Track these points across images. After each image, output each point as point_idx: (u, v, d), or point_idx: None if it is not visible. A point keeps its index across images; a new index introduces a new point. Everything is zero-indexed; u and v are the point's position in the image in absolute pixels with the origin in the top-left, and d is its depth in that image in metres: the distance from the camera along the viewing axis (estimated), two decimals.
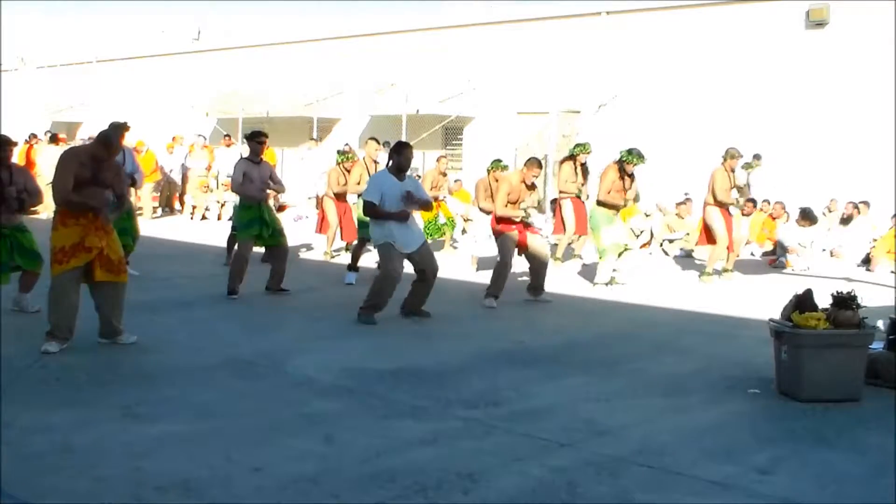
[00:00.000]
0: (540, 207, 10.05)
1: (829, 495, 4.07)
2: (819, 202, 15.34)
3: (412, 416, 5.08)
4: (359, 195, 10.50)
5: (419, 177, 14.15)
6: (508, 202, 9.16)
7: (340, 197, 11.74)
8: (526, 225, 9.23)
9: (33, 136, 19.27)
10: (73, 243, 6.18)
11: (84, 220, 6.24)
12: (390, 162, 8.04)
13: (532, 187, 9.33)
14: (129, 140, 15.14)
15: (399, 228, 7.82)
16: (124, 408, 4.96)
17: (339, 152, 12.14)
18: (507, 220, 9.17)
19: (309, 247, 13.60)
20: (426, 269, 8.01)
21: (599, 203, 10.31)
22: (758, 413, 5.49)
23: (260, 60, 26.16)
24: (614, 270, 10.50)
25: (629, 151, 10.26)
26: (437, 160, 13.79)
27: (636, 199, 10.40)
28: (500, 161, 11.36)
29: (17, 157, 11.57)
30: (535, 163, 9.37)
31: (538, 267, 9.28)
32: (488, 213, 11.12)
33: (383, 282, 7.80)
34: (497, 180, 10.58)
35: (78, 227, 6.22)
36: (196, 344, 6.78)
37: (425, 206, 8.37)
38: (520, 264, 9.74)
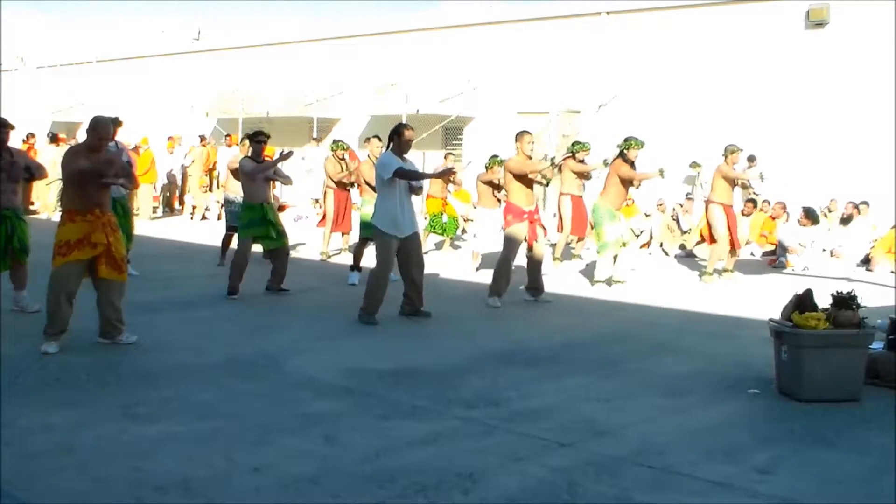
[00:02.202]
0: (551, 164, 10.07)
1: (829, 495, 4.07)
2: (819, 202, 15.34)
3: (412, 416, 5.08)
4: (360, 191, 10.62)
5: None
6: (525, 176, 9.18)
7: (339, 185, 11.80)
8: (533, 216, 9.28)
9: (31, 135, 19.24)
10: (77, 238, 6.25)
11: (91, 217, 6.30)
12: (391, 144, 8.11)
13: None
14: (129, 139, 15.12)
15: (402, 210, 7.92)
16: (124, 408, 4.96)
17: (334, 141, 12.20)
18: (518, 211, 9.16)
19: (309, 247, 13.59)
20: (412, 255, 8.09)
21: (604, 198, 10.33)
22: (758, 413, 5.48)
23: (260, 60, 26.15)
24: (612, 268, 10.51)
25: (626, 140, 10.39)
26: (445, 157, 14.91)
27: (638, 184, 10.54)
28: (496, 156, 11.51)
29: None
30: (524, 132, 9.35)
31: (534, 269, 9.31)
32: (495, 186, 11.28)
33: (376, 281, 7.88)
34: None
35: (85, 223, 6.29)
36: (196, 344, 6.77)
37: (417, 191, 8.42)
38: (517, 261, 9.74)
